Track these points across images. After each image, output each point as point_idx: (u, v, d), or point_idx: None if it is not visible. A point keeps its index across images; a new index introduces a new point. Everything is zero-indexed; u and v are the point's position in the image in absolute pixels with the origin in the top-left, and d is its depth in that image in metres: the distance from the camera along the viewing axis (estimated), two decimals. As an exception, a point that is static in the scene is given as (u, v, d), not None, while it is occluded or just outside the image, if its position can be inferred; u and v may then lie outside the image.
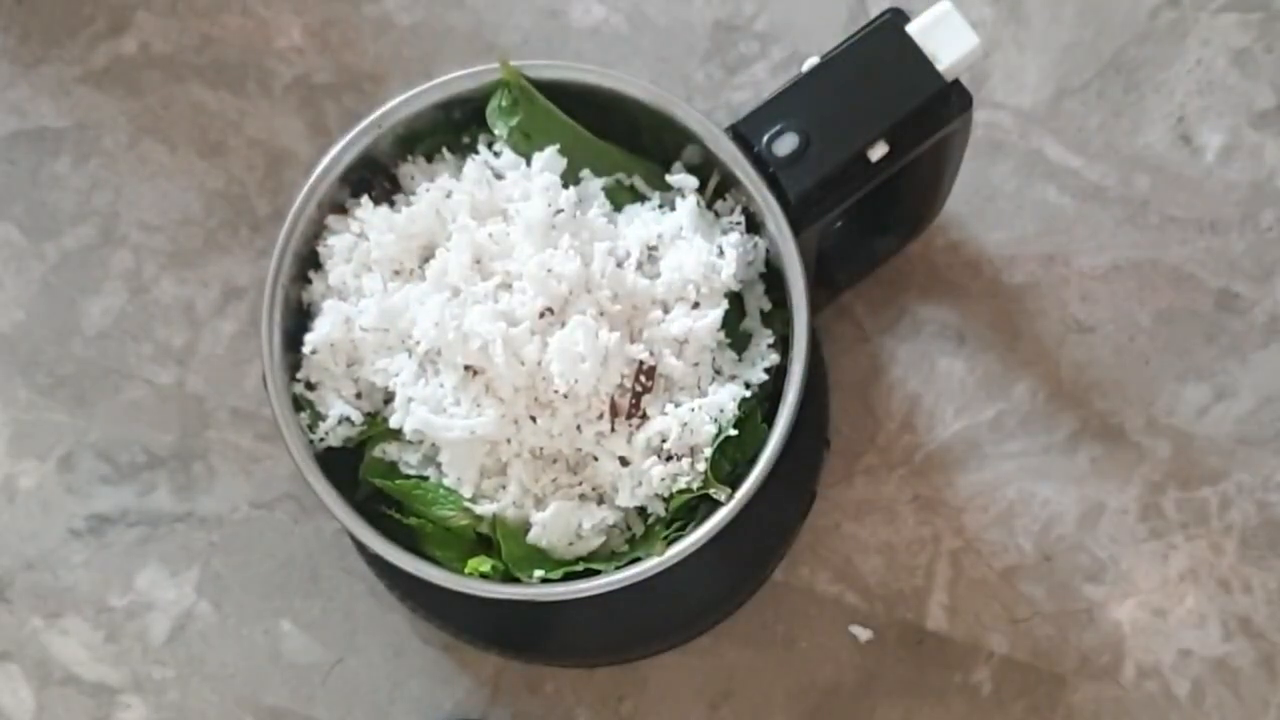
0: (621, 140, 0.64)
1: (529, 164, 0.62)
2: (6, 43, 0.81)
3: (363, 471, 0.63)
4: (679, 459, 0.60)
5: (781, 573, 0.75)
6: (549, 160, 0.62)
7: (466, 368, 0.60)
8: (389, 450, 0.62)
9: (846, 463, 0.76)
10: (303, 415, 0.62)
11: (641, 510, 0.62)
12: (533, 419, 0.60)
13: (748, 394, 0.62)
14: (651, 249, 0.62)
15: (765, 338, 0.63)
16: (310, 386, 0.62)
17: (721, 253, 0.62)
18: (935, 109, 0.63)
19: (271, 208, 0.79)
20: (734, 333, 0.63)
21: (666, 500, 0.61)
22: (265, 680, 0.75)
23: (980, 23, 0.79)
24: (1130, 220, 0.78)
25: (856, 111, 0.62)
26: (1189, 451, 0.76)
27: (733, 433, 0.61)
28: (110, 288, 0.78)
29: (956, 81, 0.63)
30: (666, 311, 0.61)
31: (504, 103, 0.63)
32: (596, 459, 0.61)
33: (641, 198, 0.64)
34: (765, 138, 0.61)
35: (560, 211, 0.61)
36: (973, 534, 0.76)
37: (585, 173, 0.63)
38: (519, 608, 0.69)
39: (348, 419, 0.62)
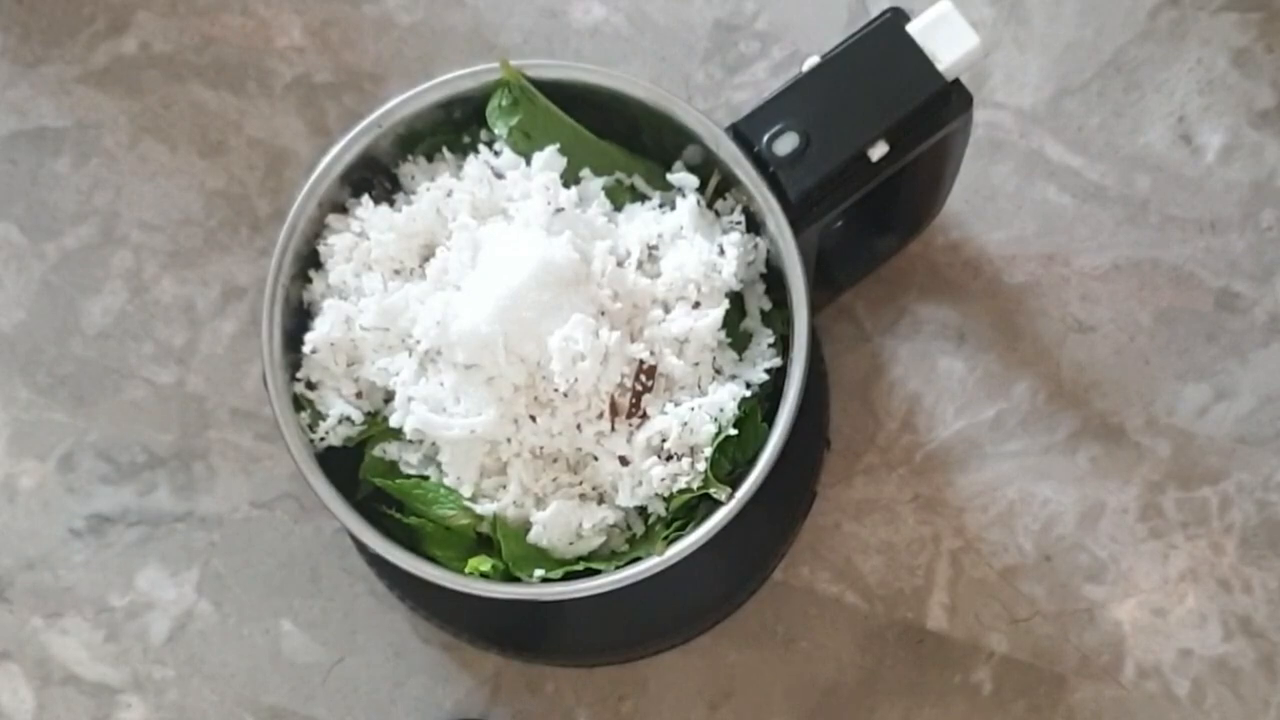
0: (621, 140, 0.64)
1: (529, 163, 0.62)
2: (6, 43, 0.81)
3: (363, 471, 0.63)
4: (679, 459, 0.60)
5: (781, 573, 0.75)
6: (549, 159, 0.62)
7: (466, 367, 0.60)
8: (389, 450, 0.62)
9: (846, 463, 0.76)
10: (303, 415, 0.62)
11: (642, 510, 0.62)
12: (533, 418, 0.60)
13: (748, 394, 0.62)
14: (652, 248, 0.62)
15: (765, 337, 0.63)
16: (310, 386, 0.62)
17: (722, 252, 0.62)
18: (935, 109, 0.63)
19: (272, 207, 0.79)
20: (734, 332, 0.63)
21: (666, 500, 0.61)
22: (265, 680, 0.75)
23: (980, 22, 0.79)
24: (1130, 220, 0.78)
25: (856, 111, 0.62)
26: (1189, 451, 0.76)
27: (733, 432, 0.61)
28: (110, 288, 0.78)
29: (956, 81, 0.63)
30: (667, 311, 0.61)
31: (504, 102, 0.63)
32: (596, 458, 0.61)
33: (642, 197, 0.64)
34: (765, 137, 0.61)
35: (560, 210, 0.61)
36: (973, 534, 0.76)
37: (585, 172, 0.63)
38: (519, 607, 0.69)
39: (348, 418, 0.62)
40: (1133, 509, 0.76)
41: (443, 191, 0.62)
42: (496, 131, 0.63)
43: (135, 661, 0.75)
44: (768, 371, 0.62)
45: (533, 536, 0.61)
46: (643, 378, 0.60)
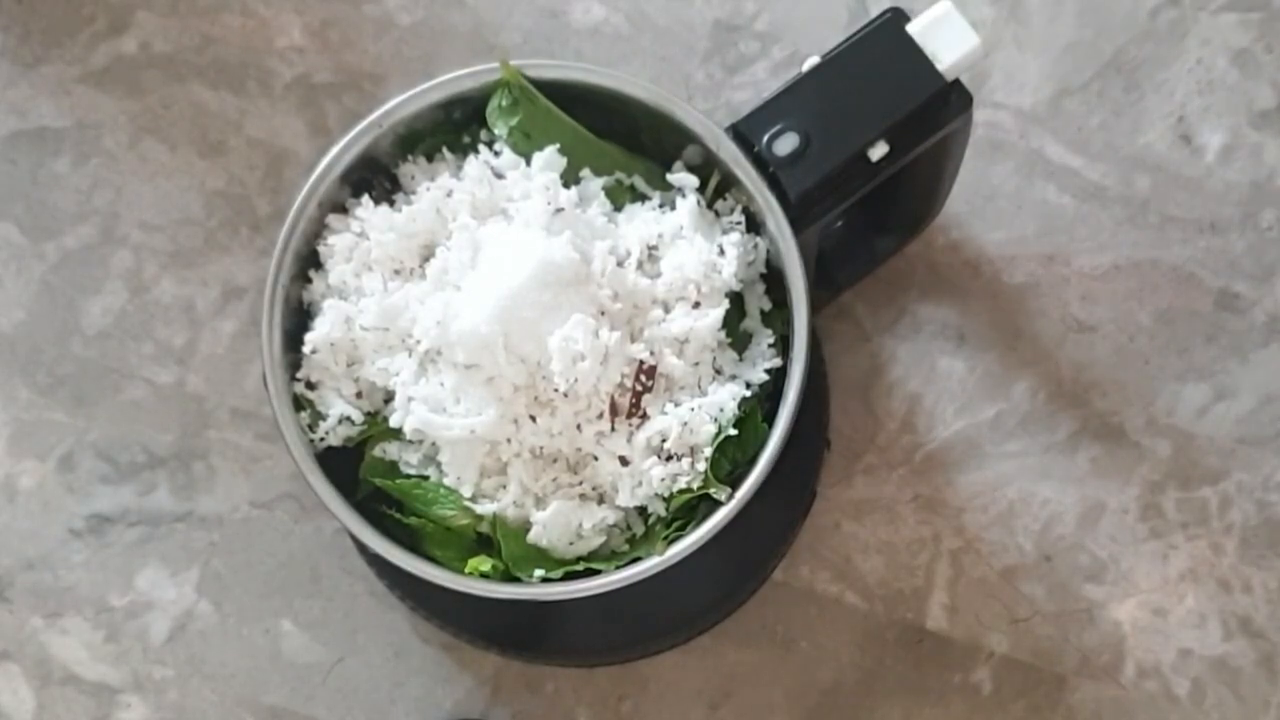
0: (621, 140, 0.64)
1: (529, 163, 0.62)
2: (6, 43, 0.81)
3: (363, 471, 0.63)
4: (679, 459, 0.60)
5: (781, 573, 0.75)
6: (549, 159, 0.62)
7: (466, 367, 0.60)
8: (389, 450, 0.62)
9: (846, 463, 0.76)
10: (303, 415, 0.62)
11: (642, 510, 0.62)
12: (533, 418, 0.60)
13: (748, 394, 0.62)
14: (652, 248, 0.62)
15: (765, 337, 0.63)
16: (310, 386, 0.62)
17: (722, 252, 0.62)
18: (935, 109, 0.63)
19: (272, 207, 0.79)
20: (734, 332, 0.63)
21: (666, 500, 0.61)
22: (265, 680, 0.75)
23: (980, 23, 0.79)
24: (1130, 220, 0.78)
25: (857, 111, 0.62)
26: (1189, 451, 0.76)
27: (733, 432, 0.61)
28: (110, 288, 0.78)
29: (956, 81, 0.63)
30: (667, 311, 0.61)
31: (504, 102, 0.63)
32: (596, 459, 0.61)
33: (642, 197, 0.64)
34: (765, 137, 0.61)
35: (560, 210, 0.61)
36: (973, 534, 0.76)
37: (585, 172, 0.63)
38: (519, 608, 0.69)
39: (348, 418, 0.62)
40: (1133, 509, 0.76)
41: (443, 191, 0.62)
42: (496, 131, 0.63)
43: (135, 661, 0.75)
44: (768, 371, 0.62)
45: (533, 536, 0.61)
46: (643, 378, 0.60)
